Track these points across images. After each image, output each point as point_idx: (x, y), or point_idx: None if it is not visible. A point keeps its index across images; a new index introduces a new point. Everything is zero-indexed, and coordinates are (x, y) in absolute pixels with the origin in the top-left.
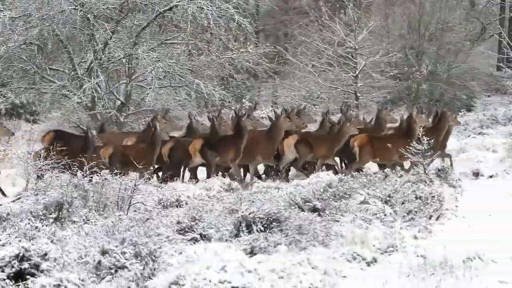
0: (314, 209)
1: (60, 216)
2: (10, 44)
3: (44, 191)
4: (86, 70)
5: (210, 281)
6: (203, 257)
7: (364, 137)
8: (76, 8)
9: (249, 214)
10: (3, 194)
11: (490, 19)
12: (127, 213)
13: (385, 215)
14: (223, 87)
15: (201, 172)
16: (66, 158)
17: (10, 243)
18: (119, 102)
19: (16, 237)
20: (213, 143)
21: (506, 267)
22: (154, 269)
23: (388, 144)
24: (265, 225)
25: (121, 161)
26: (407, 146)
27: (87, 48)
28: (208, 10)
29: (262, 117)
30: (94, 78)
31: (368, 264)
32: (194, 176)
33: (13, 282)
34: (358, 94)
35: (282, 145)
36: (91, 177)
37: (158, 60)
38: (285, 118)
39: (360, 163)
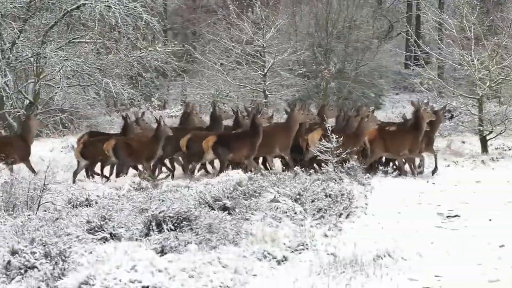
0: (224, 208)
1: None
2: None
3: None
4: None
5: (120, 280)
6: (113, 257)
7: (375, 132)
8: None
9: (159, 213)
10: None
11: (397, 17)
12: (36, 213)
13: (295, 213)
14: (131, 86)
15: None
16: None
17: None
18: (28, 101)
19: None
20: (227, 140)
21: (416, 264)
22: (64, 269)
23: (399, 138)
24: (176, 224)
25: (126, 153)
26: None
27: None
28: (115, 8)
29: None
30: (2, 77)
31: (279, 262)
32: (205, 170)
33: None
34: (267, 93)
35: (307, 139)
36: None
37: (66, 59)
38: (299, 111)
39: (372, 157)
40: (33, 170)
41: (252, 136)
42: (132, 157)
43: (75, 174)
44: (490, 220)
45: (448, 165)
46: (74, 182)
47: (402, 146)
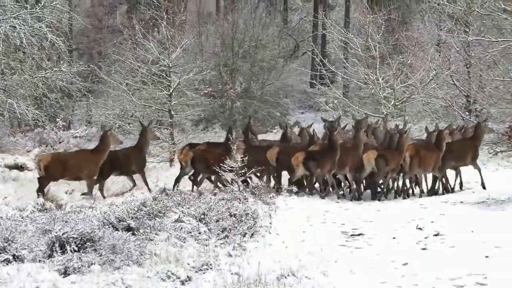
0: (128, 228)
1: None
2: None
3: None
4: None
5: None
6: (16, 278)
7: (414, 147)
8: None
9: (63, 234)
10: None
11: (303, 36)
12: None
13: (199, 233)
14: (36, 106)
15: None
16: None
17: None
18: None
19: None
20: (314, 155)
21: (320, 283)
22: None
23: (431, 156)
24: (79, 245)
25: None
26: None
27: None
28: (20, 29)
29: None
30: None
31: (183, 282)
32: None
33: None
34: (173, 112)
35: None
36: None
37: None
38: (364, 132)
39: (410, 173)
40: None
41: (332, 151)
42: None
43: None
44: (394, 238)
45: None
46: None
47: (430, 164)
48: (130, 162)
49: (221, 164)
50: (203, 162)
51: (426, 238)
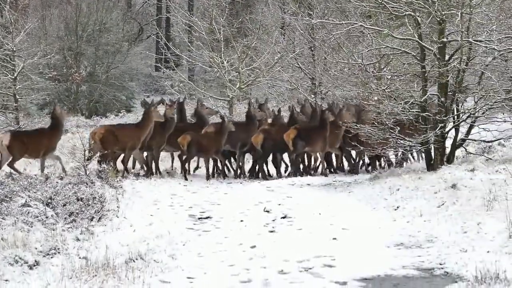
0: None
1: None
2: None
3: None
4: None
5: None
6: None
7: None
8: None
9: None
10: None
11: (147, 20)
12: None
13: (46, 217)
14: None
15: None
16: None
17: None
18: None
19: None
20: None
21: (168, 267)
22: None
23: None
24: None
25: (197, 148)
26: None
27: None
28: None
29: None
30: None
31: (31, 267)
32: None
33: None
34: (18, 97)
35: None
36: None
37: None
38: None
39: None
40: None
41: (323, 129)
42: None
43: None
44: (241, 221)
45: (200, 167)
46: None
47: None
48: None
49: None
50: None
51: (273, 220)
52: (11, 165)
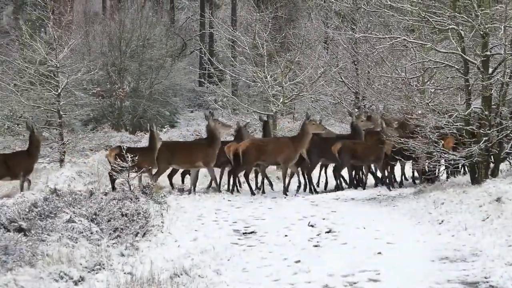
0: (20, 229)
1: None
2: None
3: None
4: None
5: None
6: None
7: None
8: None
9: None
10: None
11: (190, 35)
12: None
13: (91, 233)
14: None
15: None
16: None
17: None
18: None
19: None
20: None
21: (213, 282)
22: None
23: None
24: None
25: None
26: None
27: None
28: None
29: None
30: None
31: (76, 283)
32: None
33: None
34: (61, 113)
35: None
36: None
37: None
38: None
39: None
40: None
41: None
42: None
43: None
44: (286, 235)
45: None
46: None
47: None
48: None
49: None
50: None
51: (318, 235)
52: None
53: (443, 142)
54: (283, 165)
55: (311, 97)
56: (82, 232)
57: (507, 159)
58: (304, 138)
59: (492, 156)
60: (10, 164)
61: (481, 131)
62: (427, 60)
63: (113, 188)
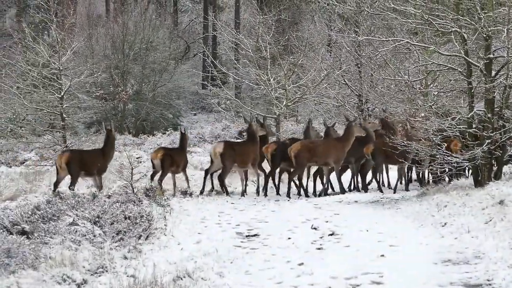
0: (22, 232)
1: None
2: None
3: None
4: None
5: None
6: None
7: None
8: None
9: None
10: None
11: (193, 38)
12: None
13: (94, 236)
14: None
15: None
16: None
17: None
18: None
19: None
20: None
21: (214, 284)
22: None
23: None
24: None
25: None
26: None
27: None
28: None
29: None
30: None
31: (78, 286)
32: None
33: None
34: (64, 115)
35: None
36: None
37: None
38: None
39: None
40: None
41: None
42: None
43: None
44: (289, 238)
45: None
46: None
47: None
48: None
49: None
50: None
51: (321, 238)
52: None
53: (450, 144)
54: (335, 165)
55: (314, 100)
56: (85, 235)
57: (510, 161)
58: (350, 139)
59: (495, 159)
60: (87, 162)
61: (484, 133)
62: (430, 62)
63: (161, 187)
